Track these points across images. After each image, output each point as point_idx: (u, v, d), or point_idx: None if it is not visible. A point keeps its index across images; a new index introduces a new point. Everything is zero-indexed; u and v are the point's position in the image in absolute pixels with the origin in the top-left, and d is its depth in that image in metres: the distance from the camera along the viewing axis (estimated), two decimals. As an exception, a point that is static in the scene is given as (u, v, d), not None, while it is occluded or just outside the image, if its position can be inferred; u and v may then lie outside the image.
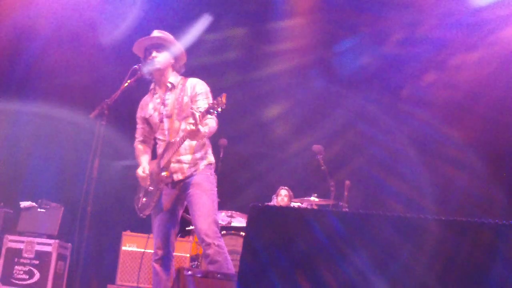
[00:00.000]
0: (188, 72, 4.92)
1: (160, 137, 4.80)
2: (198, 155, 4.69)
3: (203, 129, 4.32)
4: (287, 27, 8.42)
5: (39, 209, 7.54)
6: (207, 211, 4.51)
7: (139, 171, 4.75)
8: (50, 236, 7.34)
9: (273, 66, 8.57)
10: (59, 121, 8.47)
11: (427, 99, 8.12)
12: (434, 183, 7.81)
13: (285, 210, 2.47)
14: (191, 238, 7.20)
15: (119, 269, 7.34)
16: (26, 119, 8.54)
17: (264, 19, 8.56)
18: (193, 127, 4.24)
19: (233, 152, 8.11)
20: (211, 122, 4.51)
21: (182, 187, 4.65)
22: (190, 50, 5.35)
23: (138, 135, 4.99)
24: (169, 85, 4.78)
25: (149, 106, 4.86)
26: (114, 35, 8.26)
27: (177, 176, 4.63)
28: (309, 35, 8.57)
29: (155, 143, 4.94)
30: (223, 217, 7.24)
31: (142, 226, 7.49)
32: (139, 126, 4.99)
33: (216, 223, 4.54)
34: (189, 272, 3.97)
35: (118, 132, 7.74)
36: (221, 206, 7.49)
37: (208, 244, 4.40)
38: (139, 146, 4.96)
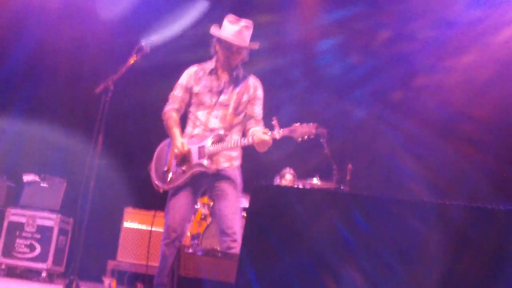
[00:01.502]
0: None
1: (202, 118, 4.62)
2: (234, 153, 4.63)
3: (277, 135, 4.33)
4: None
5: (41, 184, 7.57)
6: (237, 208, 4.50)
7: (179, 145, 4.52)
8: (52, 211, 7.37)
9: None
10: (64, 95, 8.47)
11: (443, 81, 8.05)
12: (451, 165, 7.74)
13: (291, 190, 2.41)
14: (192, 217, 7.22)
15: (120, 245, 7.38)
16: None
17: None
18: (267, 138, 4.29)
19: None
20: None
21: (213, 178, 4.55)
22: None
23: (175, 103, 4.74)
24: (234, 74, 4.66)
25: (202, 82, 4.68)
26: (121, 10, 8.25)
27: (212, 166, 4.51)
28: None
29: (185, 115, 4.77)
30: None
31: (144, 202, 7.54)
32: (179, 93, 4.74)
33: (242, 220, 4.57)
34: (190, 250, 3.99)
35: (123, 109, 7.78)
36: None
37: (235, 240, 4.38)
38: (173, 114, 4.70)
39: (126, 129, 8.42)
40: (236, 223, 4.43)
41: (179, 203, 4.54)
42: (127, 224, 7.48)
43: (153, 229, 6.84)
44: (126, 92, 7.01)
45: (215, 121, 4.57)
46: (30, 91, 8.54)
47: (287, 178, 7.35)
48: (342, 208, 2.18)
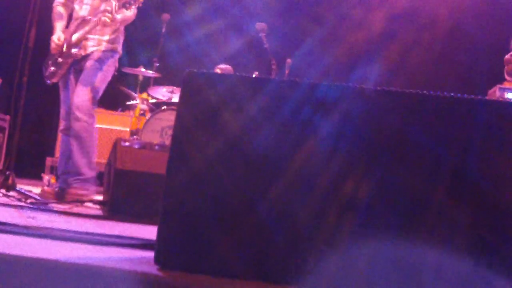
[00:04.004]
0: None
1: (77, 7, 4.74)
2: (106, 37, 4.70)
3: (118, 16, 4.50)
4: None
5: (-25, 80, 7.36)
6: (89, 87, 4.56)
7: (54, 38, 4.71)
8: (-13, 109, 7.22)
9: None
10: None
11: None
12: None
13: (228, 78, 2.31)
14: (131, 112, 7.21)
15: (58, 142, 7.32)
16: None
17: None
18: (107, 19, 4.42)
19: (175, 27, 7.99)
20: (128, 12, 4.58)
21: (82, 61, 4.69)
22: None
23: None
24: None
25: None
26: None
27: (80, 52, 4.66)
28: None
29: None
30: (164, 93, 7.23)
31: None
32: None
33: (94, 102, 4.60)
34: (126, 143, 4.03)
35: None
36: (162, 82, 7.50)
37: (77, 118, 4.48)
38: (58, 9, 4.86)
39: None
40: (81, 97, 4.53)
41: (64, 94, 4.78)
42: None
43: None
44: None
45: (86, 7, 4.68)
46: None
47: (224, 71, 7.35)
48: (291, 97, 2.13)
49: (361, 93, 2.09)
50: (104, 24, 4.50)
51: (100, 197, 4.50)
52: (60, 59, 4.70)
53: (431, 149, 2.00)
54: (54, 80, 4.79)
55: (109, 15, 4.42)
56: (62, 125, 4.82)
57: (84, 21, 4.62)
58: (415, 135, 2.02)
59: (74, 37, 4.63)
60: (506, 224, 1.93)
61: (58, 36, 4.70)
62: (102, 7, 4.60)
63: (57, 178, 4.88)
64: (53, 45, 4.70)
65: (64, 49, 4.68)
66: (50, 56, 4.83)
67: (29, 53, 4.64)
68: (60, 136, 4.90)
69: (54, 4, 4.87)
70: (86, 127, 4.46)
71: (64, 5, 4.86)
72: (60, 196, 4.48)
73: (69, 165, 4.56)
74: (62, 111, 4.80)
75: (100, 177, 5.93)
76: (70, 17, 4.89)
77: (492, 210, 1.94)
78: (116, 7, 4.47)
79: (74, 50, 4.64)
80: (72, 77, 4.74)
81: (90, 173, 4.45)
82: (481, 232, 1.92)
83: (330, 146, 2.05)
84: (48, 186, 5.58)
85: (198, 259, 2.03)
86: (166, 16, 7.30)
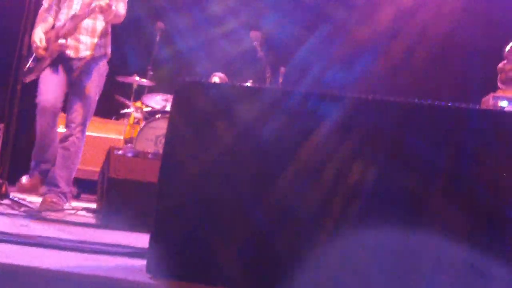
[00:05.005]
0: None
1: (65, 9, 4.61)
2: (96, 40, 4.62)
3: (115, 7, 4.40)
4: None
5: (-31, 88, 7.33)
6: (86, 102, 4.51)
7: (36, 38, 4.52)
8: (-19, 115, 7.19)
9: None
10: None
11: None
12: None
13: (221, 87, 2.32)
14: (125, 121, 7.20)
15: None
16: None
17: None
18: (103, 4, 4.26)
19: (169, 35, 8.00)
20: (120, 7, 4.54)
21: (71, 65, 4.57)
22: None
23: (45, 2, 4.72)
24: None
25: None
26: None
27: (71, 53, 4.55)
28: None
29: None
30: (158, 101, 7.23)
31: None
32: None
33: (90, 116, 4.58)
34: (120, 152, 4.02)
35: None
36: (156, 90, 7.50)
37: (70, 132, 4.46)
38: (43, 14, 4.71)
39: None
40: (80, 113, 4.47)
41: (50, 86, 4.55)
42: (59, 129, 7.37)
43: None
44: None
45: (76, 7, 4.54)
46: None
47: (215, 81, 7.35)
48: (284, 106, 2.15)
49: (357, 102, 2.11)
50: (101, 10, 4.33)
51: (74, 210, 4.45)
52: (41, 53, 4.52)
53: (426, 155, 2.02)
54: (33, 77, 4.63)
55: (107, 0, 4.28)
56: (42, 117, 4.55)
57: (74, 16, 4.47)
58: (409, 143, 2.03)
59: (63, 30, 4.46)
60: (498, 225, 1.95)
61: (39, 37, 4.51)
62: (94, 4, 4.45)
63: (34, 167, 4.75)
64: (35, 46, 4.51)
65: (49, 44, 4.51)
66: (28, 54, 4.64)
67: (23, 61, 4.65)
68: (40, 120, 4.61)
69: (39, 11, 4.71)
70: (76, 142, 4.45)
71: (47, 10, 4.70)
72: (36, 185, 4.50)
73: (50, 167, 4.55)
74: (44, 104, 4.51)
75: (93, 185, 5.92)
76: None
77: (485, 213, 1.96)
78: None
79: (61, 41, 4.44)
80: (57, 74, 4.56)
81: (65, 188, 4.44)
82: (475, 234, 1.94)
83: (325, 154, 2.06)
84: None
85: (191, 267, 2.03)
86: (160, 25, 7.31)
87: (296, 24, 8.36)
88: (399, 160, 2.04)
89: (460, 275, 1.91)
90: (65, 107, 4.67)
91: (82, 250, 2.43)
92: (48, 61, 4.54)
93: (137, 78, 7.16)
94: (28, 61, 4.64)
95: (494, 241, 1.93)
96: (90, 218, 4.24)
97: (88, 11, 4.40)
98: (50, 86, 4.56)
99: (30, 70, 4.61)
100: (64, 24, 4.52)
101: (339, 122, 2.08)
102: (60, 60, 4.56)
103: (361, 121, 2.10)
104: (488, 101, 5.39)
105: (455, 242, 1.91)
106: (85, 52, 4.58)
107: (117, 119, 7.53)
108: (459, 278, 1.91)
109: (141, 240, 3.03)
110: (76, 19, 4.46)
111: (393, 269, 1.95)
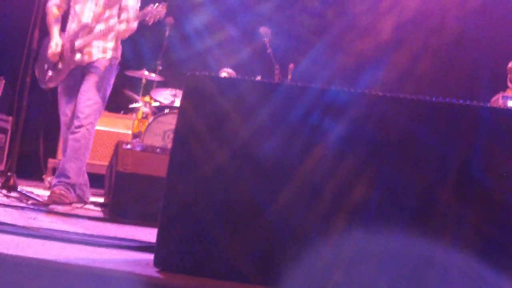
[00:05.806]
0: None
1: (78, 12, 4.64)
2: (109, 44, 4.65)
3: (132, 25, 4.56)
4: None
5: (-22, 81, 7.37)
6: (96, 96, 4.53)
7: (53, 45, 4.60)
8: (-10, 109, 7.23)
9: None
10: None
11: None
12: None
13: (231, 81, 2.29)
14: (134, 115, 7.21)
15: (60, 144, 7.31)
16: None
17: None
18: (125, 27, 4.50)
19: (179, 30, 8.01)
20: (134, 25, 4.61)
21: (87, 68, 4.61)
22: None
23: None
24: None
25: None
26: None
27: (84, 59, 4.60)
28: None
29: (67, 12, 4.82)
30: (167, 96, 7.24)
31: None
32: None
33: (100, 110, 4.61)
34: (128, 146, 4.02)
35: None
36: (165, 85, 7.51)
37: (80, 124, 4.45)
38: (53, 11, 4.74)
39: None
40: (88, 104, 4.49)
41: (68, 99, 4.68)
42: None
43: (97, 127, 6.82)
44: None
45: (88, 14, 4.60)
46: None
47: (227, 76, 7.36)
48: (298, 102, 2.13)
49: (370, 99, 2.10)
50: (118, 32, 4.54)
51: (80, 204, 4.45)
52: (60, 65, 4.63)
53: (437, 153, 2.01)
54: (51, 85, 4.72)
55: (127, 24, 4.48)
56: (65, 130, 4.71)
57: (87, 27, 4.55)
58: (421, 139, 2.02)
59: (78, 43, 4.55)
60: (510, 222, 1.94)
61: (56, 42, 4.60)
62: (107, 13, 4.55)
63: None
64: (50, 52, 4.60)
65: (64, 55, 4.60)
66: (45, 60, 4.74)
67: (33, 55, 4.66)
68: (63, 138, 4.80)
69: (49, 5, 4.74)
70: (86, 135, 4.44)
71: (59, 6, 4.76)
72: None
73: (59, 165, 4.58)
74: (64, 118, 4.70)
75: (101, 179, 5.94)
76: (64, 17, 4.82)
77: (496, 210, 1.95)
78: (132, 14, 4.55)
79: (77, 57, 4.56)
80: (73, 83, 4.66)
81: (76, 179, 4.43)
82: (487, 230, 1.93)
83: (339, 150, 2.05)
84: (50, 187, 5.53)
85: (199, 261, 2.02)
86: (169, 20, 7.31)
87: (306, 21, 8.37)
88: (410, 158, 2.03)
89: (469, 280, 1.90)
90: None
91: (89, 243, 2.43)
92: (66, 72, 4.62)
93: (146, 72, 7.17)
94: (45, 68, 4.73)
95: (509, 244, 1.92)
96: (98, 212, 4.25)
97: (106, 30, 4.52)
98: (69, 99, 4.67)
99: (50, 79, 4.70)
100: (78, 33, 4.58)
101: (354, 118, 2.07)
102: (76, 68, 4.64)
103: (375, 118, 2.08)
104: (497, 101, 5.38)
105: (466, 243, 1.91)
106: (98, 55, 4.61)
107: (125, 113, 7.55)
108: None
109: (149, 234, 3.04)
110: (92, 35, 4.54)
111: (404, 275, 1.94)
